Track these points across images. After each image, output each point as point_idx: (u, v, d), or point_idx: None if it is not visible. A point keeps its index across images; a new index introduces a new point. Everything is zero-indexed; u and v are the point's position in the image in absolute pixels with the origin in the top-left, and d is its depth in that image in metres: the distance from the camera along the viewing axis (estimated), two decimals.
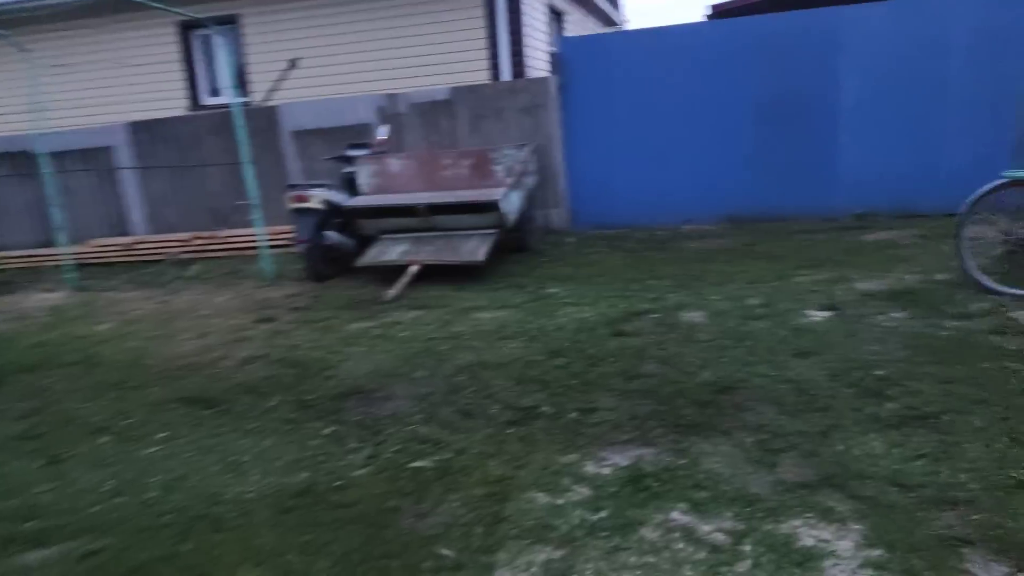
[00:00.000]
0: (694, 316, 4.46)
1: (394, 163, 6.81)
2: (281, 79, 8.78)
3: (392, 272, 6.21)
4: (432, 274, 6.15)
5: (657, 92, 7.72)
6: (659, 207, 7.97)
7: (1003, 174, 4.19)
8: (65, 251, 7.57)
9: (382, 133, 7.49)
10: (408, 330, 4.77)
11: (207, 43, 11.08)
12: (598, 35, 7.75)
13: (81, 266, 8.43)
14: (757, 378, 3.40)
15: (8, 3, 10.35)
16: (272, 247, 7.46)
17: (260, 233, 6.86)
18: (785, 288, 4.97)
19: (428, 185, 6.75)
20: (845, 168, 7.44)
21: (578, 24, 15.02)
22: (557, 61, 7.92)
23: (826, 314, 4.26)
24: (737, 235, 7.26)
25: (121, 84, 11.04)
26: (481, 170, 6.64)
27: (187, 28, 10.86)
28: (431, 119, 8.35)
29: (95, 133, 9.02)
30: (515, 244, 6.90)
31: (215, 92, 11.24)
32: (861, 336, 3.80)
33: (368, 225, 6.68)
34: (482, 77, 10.05)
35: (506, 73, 10.40)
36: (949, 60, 6.96)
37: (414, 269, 6.07)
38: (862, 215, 7.37)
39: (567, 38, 7.98)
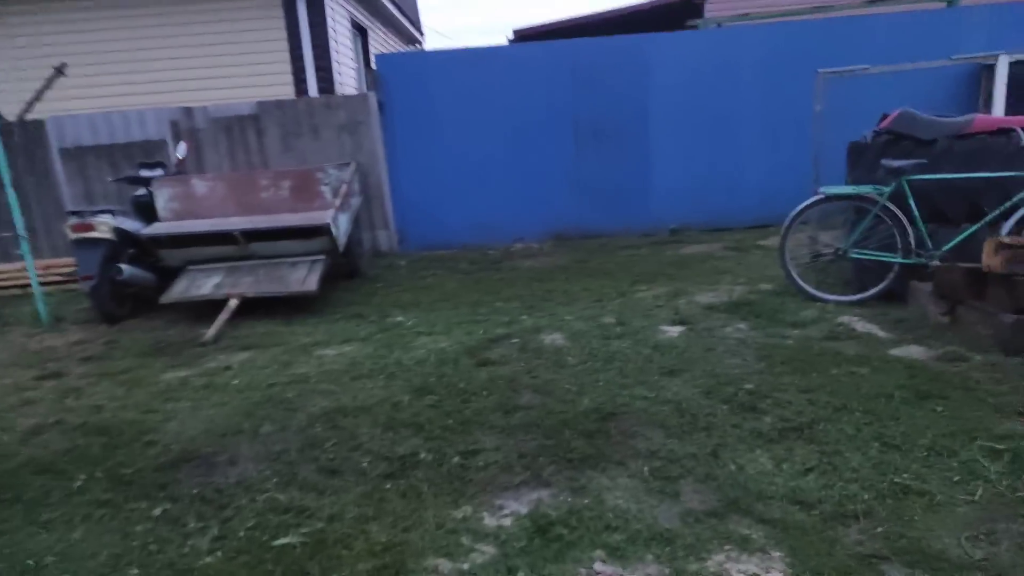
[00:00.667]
0: (555, 338, 4.35)
1: (200, 185, 6.02)
2: (44, 89, 7.48)
3: (206, 308, 5.46)
4: (255, 308, 5.50)
5: (481, 112, 7.66)
6: (487, 227, 7.89)
7: (819, 191, 4.59)
8: None
9: (180, 151, 6.62)
10: (241, 376, 4.15)
11: None
12: (417, 53, 7.54)
13: None
14: (637, 401, 3.33)
15: None
16: (47, 284, 6.26)
17: (31, 269, 5.70)
18: (631, 304, 5.06)
19: (243, 209, 6.04)
20: (659, 186, 7.89)
21: (381, 42, 14.71)
22: (376, 78, 7.56)
23: (679, 329, 4.36)
24: (566, 253, 7.38)
25: None
26: (305, 191, 6.07)
27: None
28: (236, 136, 7.57)
29: None
30: (345, 270, 6.42)
31: None
32: (718, 350, 3.92)
33: (172, 255, 5.82)
34: (287, 92, 9.39)
35: (313, 89, 9.82)
36: (741, 86, 7.66)
37: (233, 304, 5.38)
38: (676, 230, 7.85)
39: (385, 55, 7.66)
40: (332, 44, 10.57)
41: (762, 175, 7.80)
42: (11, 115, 7.65)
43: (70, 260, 7.14)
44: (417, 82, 7.56)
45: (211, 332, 4.99)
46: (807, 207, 4.63)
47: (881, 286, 4.46)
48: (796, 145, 7.75)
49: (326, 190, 6.08)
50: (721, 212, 7.88)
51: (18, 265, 7.03)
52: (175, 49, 9.19)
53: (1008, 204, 4.03)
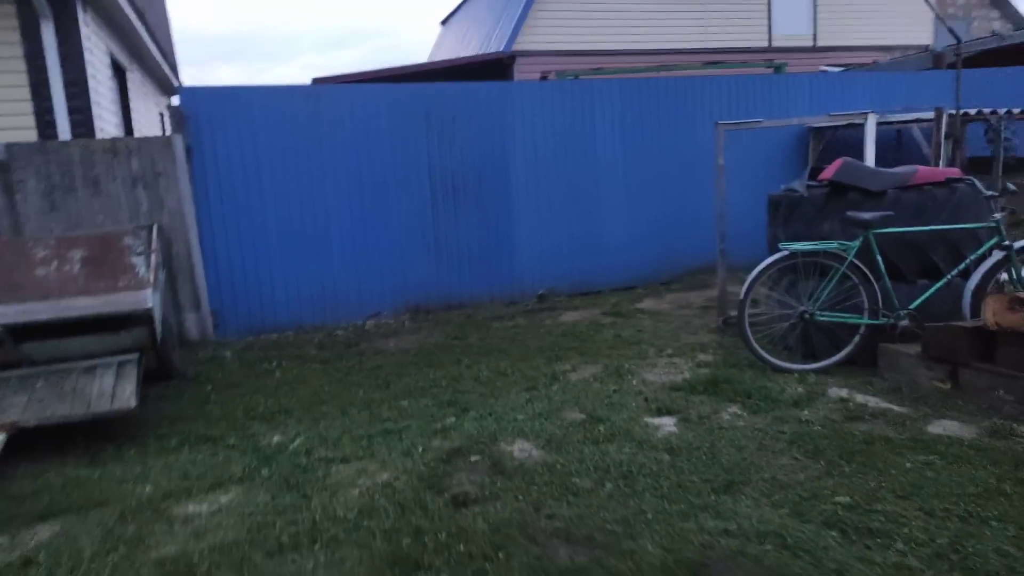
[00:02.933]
0: (527, 449, 3.32)
1: None
2: None
3: None
4: (36, 444, 3.67)
5: (319, 162, 6.40)
6: (328, 301, 6.55)
7: (783, 246, 4.18)
8: None
9: None
10: (60, 571, 2.49)
11: None
12: (237, 88, 6.13)
13: None
14: (720, 539, 2.45)
15: None
16: None
17: None
18: (576, 390, 4.19)
19: (7, 293, 4.11)
20: (522, 247, 7.21)
21: (138, 85, 12.51)
22: (181, 117, 5.95)
23: (670, 420, 3.59)
24: (433, 328, 6.32)
25: None
26: (106, 264, 4.31)
27: None
28: None
29: None
30: (153, 371, 4.69)
31: None
32: (749, 448, 3.19)
33: None
34: (26, 136, 7.21)
35: (65, 132, 7.71)
36: (601, 140, 7.35)
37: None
38: (544, 295, 7.20)
39: (193, 88, 6.07)
40: (91, 82, 8.52)
41: (625, 235, 7.52)
42: None
43: None
44: (236, 123, 6.09)
45: None
46: (769, 266, 4.19)
47: (847, 351, 4.13)
48: (660, 202, 7.62)
49: (139, 261, 4.39)
50: (586, 274, 7.41)
51: None
52: None
53: (975, 255, 3.94)
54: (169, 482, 3.25)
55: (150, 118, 13.79)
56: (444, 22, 21.13)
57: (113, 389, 3.95)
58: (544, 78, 9.75)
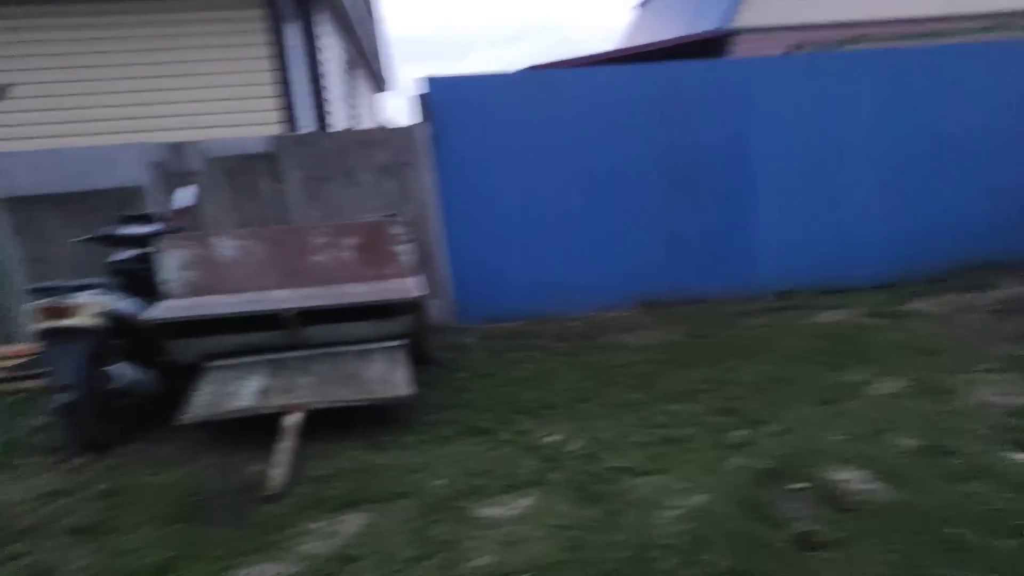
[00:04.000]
0: (866, 483, 2.82)
1: (226, 246, 4.23)
2: None
3: (239, 423, 3.67)
4: (313, 423, 3.74)
5: (551, 151, 6.18)
6: (560, 292, 6.34)
7: None
8: None
9: (184, 199, 4.82)
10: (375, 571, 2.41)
11: None
12: (478, 75, 6.07)
13: None
14: None
15: None
16: None
17: None
18: (887, 409, 3.59)
19: (289, 279, 4.28)
20: (761, 240, 6.56)
21: (358, 81, 13.23)
22: (426, 106, 5.99)
23: None
24: (670, 323, 5.90)
25: None
26: (375, 252, 4.37)
27: None
28: (243, 180, 5.81)
29: None
30: (413, 355, 4.69)
31: None
32: None
33: (187, 347, 4.01)
34: (268, 131, 7.70)
35: (305, 126, 8.17)
36: (858, 122, 6.50)
37: (294, 422, 3.60)
38: (785, 292, 6.52)
39: (436, 78, 6.11)
40: (326, 79, 8.99)
41: (881, 227, 6.62)
42: None
43: (20, 348, 5.15)
44: (477, 112, 6.04)
45: (276, 475, 3.19)
46: None
47: None
48: (924, 190, 6.64)
49: (403, 249, 4.41)
50: (833, 270, 6.61)
51: None
52: (132, 68, 7.38)
53: None
54: (457, 478, 3.14)
55: (362, 113, 14.52)
56: (642, 4, 20.47)
57: (387, 375, 3.96)
58: (791, 51, 8.91)
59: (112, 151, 5.63)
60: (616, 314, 6.28)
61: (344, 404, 3.73)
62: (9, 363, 4.87)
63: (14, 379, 4.86)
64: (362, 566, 2.48)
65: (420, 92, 6.00)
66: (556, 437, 3.53)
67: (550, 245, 6.29)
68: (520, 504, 2.85)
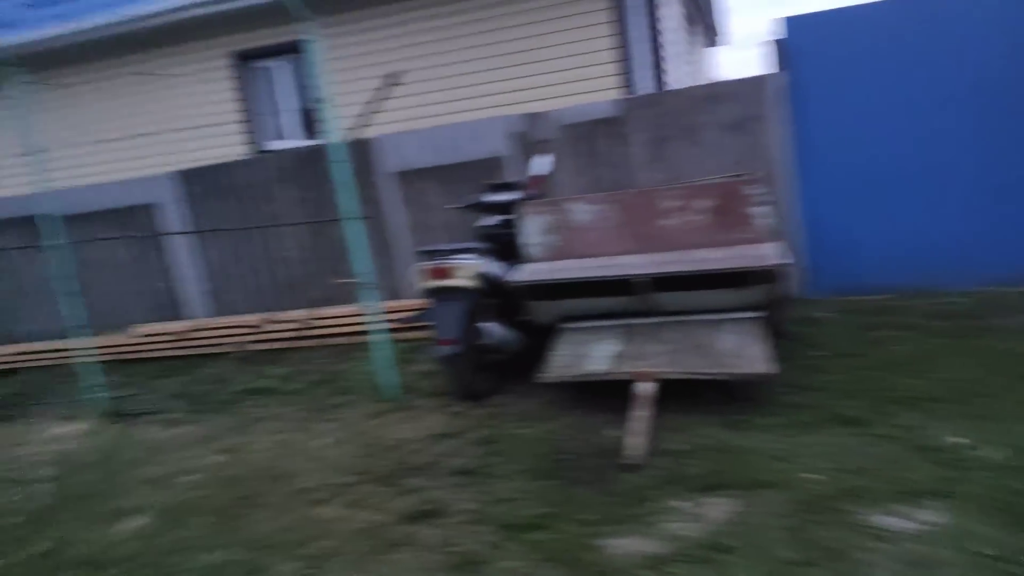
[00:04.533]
0: None
1: (582, 211, 4.34)
2: (375, 102, 6.48)
3: (590, 384, 3.73)
4: (665, 397, 3.63)
5: (928, 90, 5.14)
6: (932, 261, 5.30)
7: None
8: (96, 345, 5.28)
9: (540, 167, 5.06)
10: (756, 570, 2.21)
11: (269, 76, 9.02)
12: (837, 11, 5.23)
13: (123, 363, 6.18)
14: None
15: (40, 39, 8.44)
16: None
17: (373, 317, 4.42)
18: None
19: (639, 243, 4.25)
20: None
21: (688, 35, 12.67)
22: (782, 51, 5.42)
23: None
24: None
25: (161, 128, 8.98)
26: (728, 215, 4.11)
27: (244, 59, 8.81)
28: (587, 145, 5.92)
29: (133, 186, 6.83)
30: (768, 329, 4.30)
31: (280, 135, 9.13)
32: None
33: (544, 309, 4.21)
34: (608, 95, 7.69)
35: (643, 87, 8.02)
36: None
37: (647, 390, 3.54)
38: None
39: (795, 17, 5.49)
40: (665, 36, 8.71)
41: None
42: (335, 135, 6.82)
43: (406, 303, 6.00)
44: (840, 53, 5.28)
45: (635, 444, 3.17)
46: None
47: None
48: None
49: (762, 212, 4.06)
50: None
51: (348, 309, 6.03)
52: (498, 58, 7.96)
53: None
54: (833, 473, 2.77)
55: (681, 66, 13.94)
56: None
57: (740, 349, 3.69)
58: None
59: (479, 125, 6.16)
60: (1017, 290, 5.07)
61: (697, 376, 3.57)
62: (399, 315, 5.69)
63: (403, 329, 5.67)
64: (736, 559, 2.30)
65: (774, 36, 5.44)
66: (960, 439, 2.92)
67: (923, 207, 5.30)
68: (922, 518, 2.39)
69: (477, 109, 7.82)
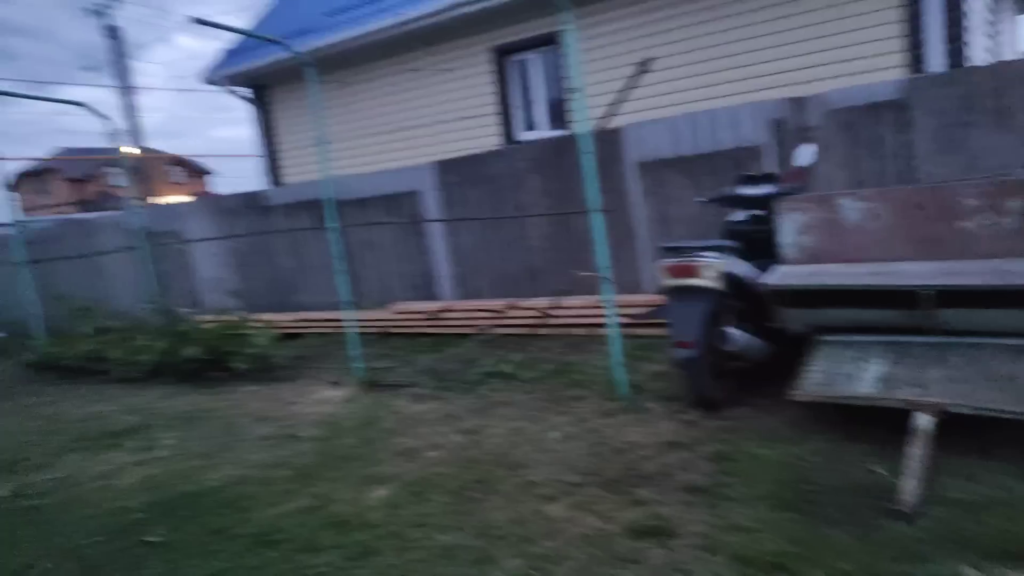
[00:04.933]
0: None
1: (851, 208, 3.83)
2: (626, 90, 6.35)
3: (851, 411, 3.25)
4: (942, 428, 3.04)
5: None
6: None
7: None
8: (361, 318, 5.90)
9: (804, 157, 4.57)
10: None
11: (524, 68, 9.33)
12: None
13: (382, 336, 6.85)
14: None
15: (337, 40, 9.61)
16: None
17: (611, 311, 4.33)
18: None
19: (919, 248, 3.64)
20: None
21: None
22: None
23: None
24: None
25: (430, 119, 9.72)
26: None
27: (502, 54, 9.20)
28: (858, 132, 5.23)
29: (398, 175, 7.48)
30: None
31: (530, 126, 9.42)
32: None
33: (798, 317, 3.78)
34: (888, 75, 6.68)
35: (935, 64, 6.88)
36: None
37: (927, 424, 3.00)
38: None
39: None
40: (967, 5, 7.42)
41: None
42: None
43: (642, 298, 5.85)
44: None
45: (909, 488, 2.70)
46: None
47: None
48: None
49: None
50: None
51: (585, 300, 6.03)
52: (757, 39, 7.40)
53: None
54: None
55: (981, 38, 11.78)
56: None
57: None
58: None
59: (735, 111, 5.75)
60: None
61: (998, 414, 2.94)
62: (634, 311, 5.54)
63: (636, 325, 5.52)
64: None
65: None
66: None
67: None
68: None
69: (729, 95, 7.37)
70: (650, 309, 5.48)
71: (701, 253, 3.90)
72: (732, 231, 4.50)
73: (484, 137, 9.23)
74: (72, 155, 40.00)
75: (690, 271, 3.85)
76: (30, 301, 7.87)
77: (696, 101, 7.49)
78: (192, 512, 3.41)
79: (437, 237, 7.32)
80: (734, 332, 3.87)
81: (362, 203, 7.55)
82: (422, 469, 3.61)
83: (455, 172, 7.09)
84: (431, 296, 7.47)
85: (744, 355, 3.95)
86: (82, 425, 5.19)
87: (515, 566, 2.58)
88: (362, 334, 5.74)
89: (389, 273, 7.69)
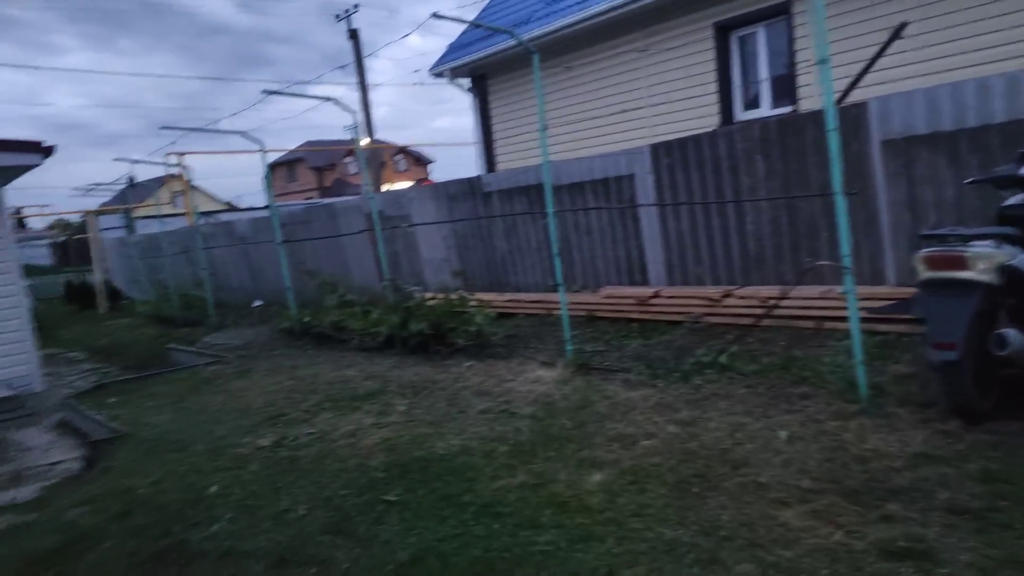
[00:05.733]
0: None
1: None
2: (875, 59, 5.70)
3: None
4: None
5: None
6: None
7: None
8: (570, 301, 5.96)
9: None
10: None
11: (746, 44, 8.80)
12: None
13: (591, 319, 6.89)
14: None
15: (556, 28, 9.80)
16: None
17: (850, 307, 3.92)
18: None
19: None
20: None
21: None
22: None
23: None
24: None
25: (645, 102, 9.52)
26: None
27: (724, 30, 8.74)
28: None
29: (612, 159, 7.40)
30: None
31: (752, 104, 8.87)
32: None
33: None
34: None
35: None
36: None
37: None
38: None
39: None
40: None
41: None
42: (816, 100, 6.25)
43: (883, 290, 5.27)
44: None
45: None
46: None
47: None
48: None
49: None
50: None
51: (816, 290, 5.56)
52: None
53: None
54: None
55: None
56: None
57: None
58: None
59: (1016, 77, 4.89)
60: None
61: None
62: (874, 304, 4.98)
63: (876, 320, 4.97)
64: None
65: None
66: None
67: None
68: None
69: (993, 62, 6.32)
70: (893, 303, 4.92)
71: (972, 242, 3.39)
72: (1010, 216, 3.86)
73: (703, 118, 8.86)
74: (314, 146, 44.99)
75: (958, 262, 3.36)
76: (284, 276, 8.97)
77: (951, 70, 6.55)
78: (423, 476, 3.66)
79: (649, 221, 7.16)
80: (1010, 334, 3.32)
81: (574, 187, 7.60)
82: (638, 457, 3.55)
83: (670, 155, 6.86)
84: (639, 281, 7.34)
85: (1020, 361, 3.38)
86: (330, 387, 5.81)
87: (746, 572, 2.44)
88: (573, 317, 5.79)
89: (598, 257, 7.68)
